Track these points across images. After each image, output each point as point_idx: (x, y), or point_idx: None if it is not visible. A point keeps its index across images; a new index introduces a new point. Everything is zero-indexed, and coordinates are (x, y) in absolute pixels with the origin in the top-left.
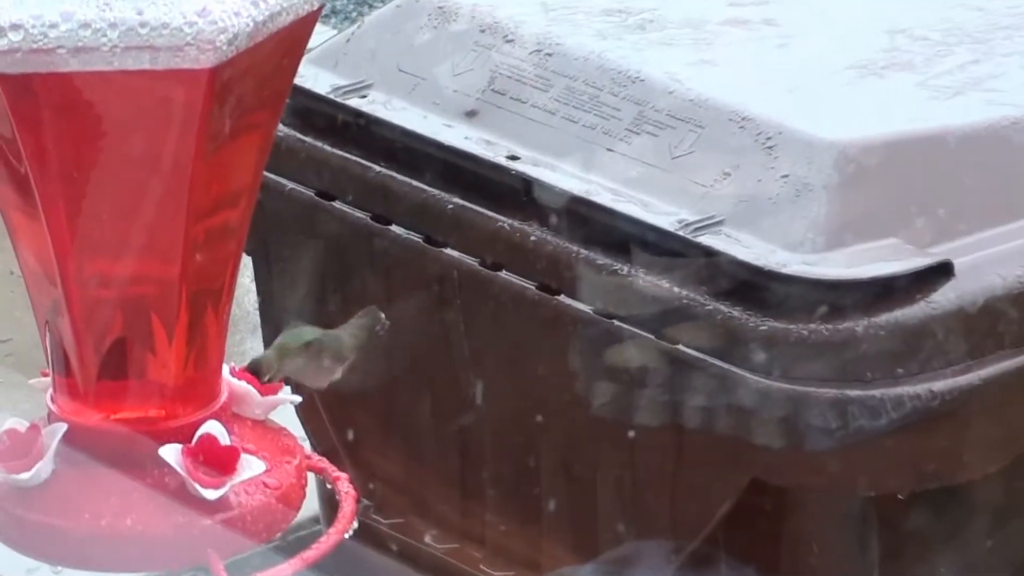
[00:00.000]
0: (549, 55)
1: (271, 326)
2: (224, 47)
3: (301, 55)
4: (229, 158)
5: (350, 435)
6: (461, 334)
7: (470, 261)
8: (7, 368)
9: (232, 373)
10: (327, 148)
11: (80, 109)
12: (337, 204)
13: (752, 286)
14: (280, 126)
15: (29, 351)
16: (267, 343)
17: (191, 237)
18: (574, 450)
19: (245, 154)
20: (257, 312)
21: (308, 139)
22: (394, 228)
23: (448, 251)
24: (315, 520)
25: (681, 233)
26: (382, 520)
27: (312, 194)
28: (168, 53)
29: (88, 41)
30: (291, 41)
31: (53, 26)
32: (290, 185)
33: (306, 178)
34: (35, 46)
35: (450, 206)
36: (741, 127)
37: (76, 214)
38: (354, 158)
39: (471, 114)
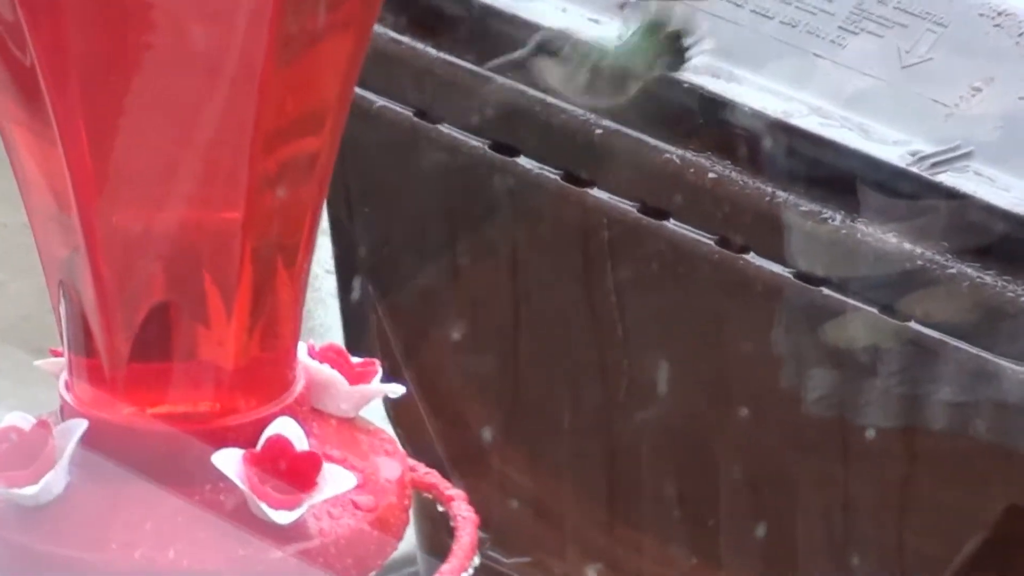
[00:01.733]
0: None
1: (351, 294)
2: None
3: None
4: (311, 66)
5: (461, 439)
6: (612, 305)
7: (626, 206)
8: (10, 340)
9: (311, 354)
10: (430, 51)
11: None
12: (444, 128)
13: (1011, 242)
14: None
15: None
16: (345, 315)
17: (258, 171)
18: (769, 462)
19: (332, 60)
20: (331, 276)
21: (404, 39)
22: (522, 160)
23: (595, 192)
24: (409, 560)
25: (915, 169)
26: (503, 559)
27: (410, 114)
28: None
29: None
30: None
31: None
32: (380, 102)
33: (401, 92)
34: None
35: (599, 131)
36: (997, 25)
37: (103, 134)
38: (467, 65)
39: (624, 6)
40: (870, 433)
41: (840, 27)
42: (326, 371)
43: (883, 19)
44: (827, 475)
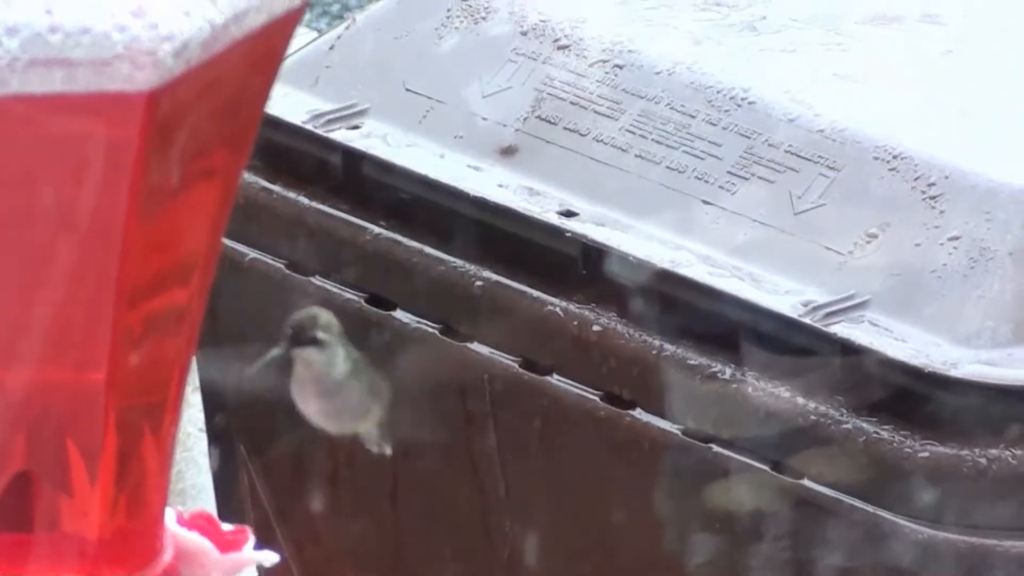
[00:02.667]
0: (619, 67)
1: (224, 454)
2: (169, 60)
3: (276, 72)
4: (176, 218)
5: None
6: (495, 464)
7: (508, 361)
8: None
9: (179, 521)
10: (304, 201)
11: None
12: (317, 280)
13: (909, 396)
14: None
15: None
16: (217, 479)
17: (122, 328)
18: None
19: (198, 212)
20: (202, 434)
21: (277, 188)
22: (399, 314)
23: (476, 347)
24: None
25: (808, 321)
26: None
27: (283, 267)
28: (90, 69)
29: None
30: (262, 52)
31: None
32: (252, 254)
33: (275, 244)
34: None
35: (479, 283)
36: (892, 169)
37: None
38: (342, 215)
39: (508, 151)
40: None
41: (729, 172)
42: (195, 539)
43: (774, 163)
44: None
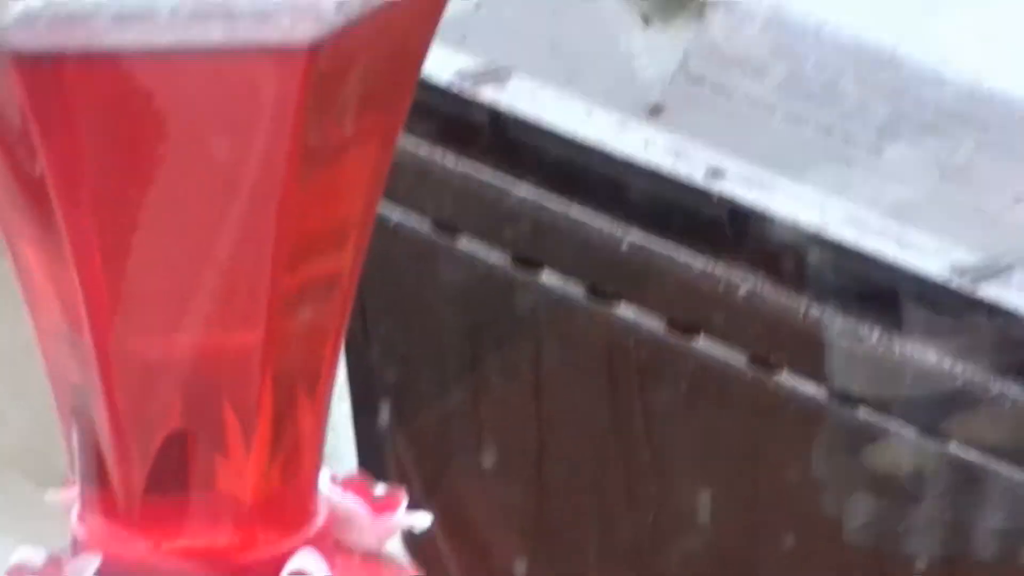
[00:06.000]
0: (769, 25)
1: (367, 420)
2: (330, 12)
3: (435, 28)
4: (335, 178)
5: (487, 573)
6: (640, 429)
7: (654, 323)
8: (11, 471)
9: (334, 483)
10: (449, 163)
11: (125, 104)
12: (464, 241)
13: None
14: None
15: (26, 453)
16: (360, 442)
17: (280, 291)
18: None
19: (356, 173)
20: (343, 402)
21: (422, 150)
22: (545, 275)
23: (622, 308)
24: None
25: (957, 283)
26: None
27: (428, 228)
28: (251, 21)
29: (138, 3)
30: (421, 6)
31: None
32: (396, 215)
33: (421, 205)
34: (63, 13)
35: (625, 245)
36: None
37: (117, 253)
38: (488, 177)
39: (656, 111)
40: (919, 564)
41: (878, 130)
42: (349, 502)
43: (923, 123)
44: None
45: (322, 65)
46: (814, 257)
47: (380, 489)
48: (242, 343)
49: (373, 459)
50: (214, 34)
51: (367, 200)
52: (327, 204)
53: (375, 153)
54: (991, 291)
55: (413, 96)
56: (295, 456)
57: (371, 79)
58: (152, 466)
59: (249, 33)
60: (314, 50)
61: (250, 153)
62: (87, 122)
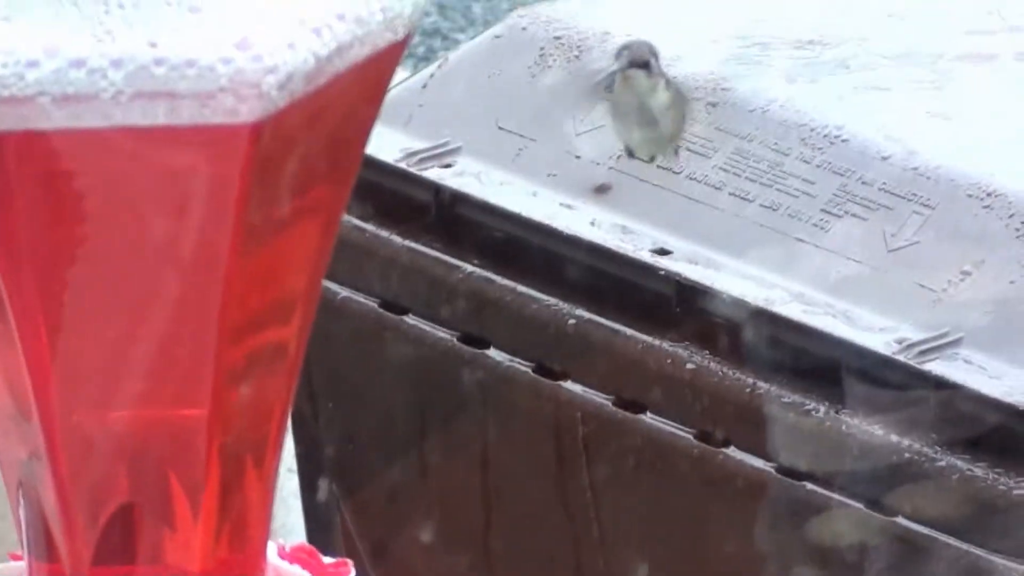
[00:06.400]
0: (713, 105)
1: (315, 494)
2: (273, 93)
3: (379, 106)
4: (278, 254)
5: None
6: (588, 503)
7: (601, 399)
8: None
9: (281, 555)
10: (396, 240)
11: (68, 182)
12: (411, 319)
13: (1003, 433)
14: None
15: None
16: (308, 516)
17: (225, 365)
18: None
19: (300, 247)
20: (293, 475)
21: (369, 227)
22: (492, 353)
23: (569, 385)
24: None
25: (902, 358)
26: None
27: (376, 305)
28: (193, 102)
29: (81, 86)
30: (365, 85)
31: (32, 64)
32: (343, 293)
33: (368, 283)
34: (6, 93)
35: (571, 321)
36: (986, 206)
37: (62, 329)
38: (435, 254)
39: (602, 189)
40: None
41: (823, 209)
42: (297, 573)
43: (868, 201)
44: None
45: (265, 145)
46: (760, 334)
47: (327, 560)
48: (188, 416)
49: (321, 531)
50: (157, 115)
51: (311, 275)
52: (271, 279)
53: (319, 229)
54: (936, 366)
55: (357, 174)
56: (242, 527)
57: (314, 158)
58: (99, 538)
59: (192, 114)
60: (256, 130)
61: (192, 231)
62: (29, 201)
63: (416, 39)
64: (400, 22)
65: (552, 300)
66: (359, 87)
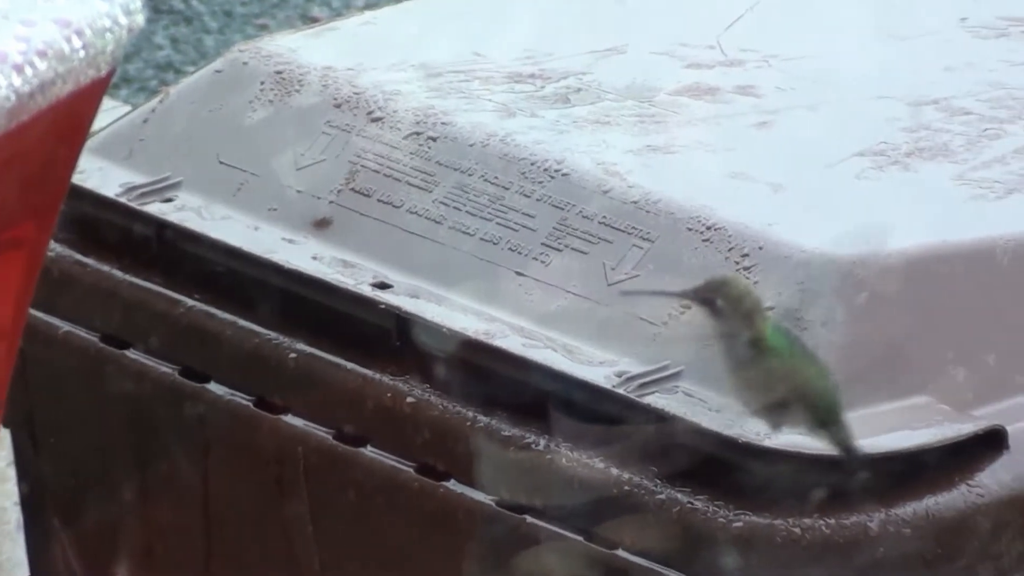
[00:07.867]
0: (433, 139)
1: (38, 527)
2: None
3: (82, 142)
4: None
5: None
6: (308, 537)
7: (321, 433)
8: None
9: None
10: (117, 274)
11: None
12: (132, 353)
13: (722, 466)
14: (51, 243)
15: None
16: (32, 552)
17: None
18: None
19: (3, 282)
20: (17, 508)
21: (90, 261)
22: (213, 387)
23: (290, 419)
24: None
25: (621, 391)
26: None
27: (97, 339)
28: None
29: None
30: (69, 122)
31: None
32: (64, 327)
33: (89, 317)
34: None
35: (292, 355)
36: (706, 240)
37: None
38: (156, 288)
39: (323, 223)
40: None
41: (543, 243)
42: None
43: (588, 234)
44: None
45: None
46: (480, 367)
47: None
48: None
49: (45, 565)
50: None
51: (16, 310)
52: None
53: (22, 263)
54: (656, 399)
55: (60, 207)
56: None
57: (18, 192)
58: None
59: None
60: None
61: None
62: None
63: (148, 73)
64: (103, 59)
65: (273, 334)
66: (63, 123)
